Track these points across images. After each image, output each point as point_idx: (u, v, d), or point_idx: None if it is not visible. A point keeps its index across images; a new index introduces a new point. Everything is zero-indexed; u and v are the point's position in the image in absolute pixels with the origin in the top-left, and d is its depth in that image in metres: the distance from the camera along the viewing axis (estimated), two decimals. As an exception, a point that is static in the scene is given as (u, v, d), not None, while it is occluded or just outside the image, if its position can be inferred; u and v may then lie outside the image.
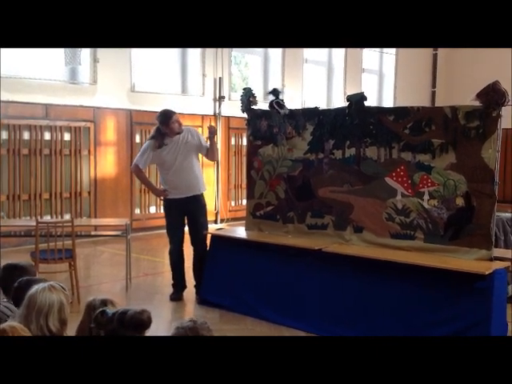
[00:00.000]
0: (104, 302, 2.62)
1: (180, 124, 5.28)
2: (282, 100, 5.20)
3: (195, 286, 5.49)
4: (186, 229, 5.45)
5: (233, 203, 10.53)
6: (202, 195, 5.44)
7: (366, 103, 4.66)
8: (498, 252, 4.29)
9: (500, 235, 5.43)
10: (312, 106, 5.30)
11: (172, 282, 5.49)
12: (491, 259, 4.08)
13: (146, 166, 5.60)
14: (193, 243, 5.43)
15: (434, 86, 14.29)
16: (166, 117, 5.24)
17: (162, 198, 5.54)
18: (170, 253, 5.48)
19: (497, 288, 3.87)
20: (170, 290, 5.49)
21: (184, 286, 5.49)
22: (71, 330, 2.68)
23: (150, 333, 2.52)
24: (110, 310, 2.51)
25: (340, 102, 11.40)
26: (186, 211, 5.34)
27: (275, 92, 5.23)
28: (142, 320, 2.43)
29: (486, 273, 3.84)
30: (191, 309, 5.24)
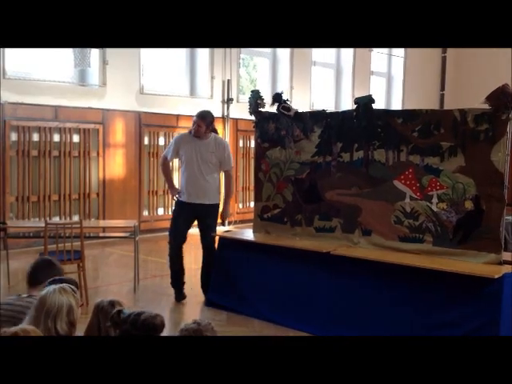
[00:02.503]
0: (112, 304, 2.63)
1: (198, 130, 5.22)
2: (288, 101, 5.19)
3: (202, 288, 5.50)
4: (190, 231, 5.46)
5: (240, 205, 10.54)
6: (217, 205, 5.42)
7: (374, 106, 4.65)
8: (507, 256, 4.27)
9: (509, 239, 5.41)
10: (320, 108, 5.29)
11: (170, 281, 5.50)
12: (500, 263, 4.06)
13: (172, 157, 5.54)
14: (203, 249, 5.44)
15: (442, 88, 14.25)
16: (196, 116, 5.29)
17: (174, 197, 5.56)
18: (169, 254, 5.45)
19: (506, 292, 3.85)
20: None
21: (182, 283, 5.47)
22: (79, 331, 2.69)
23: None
24: (126, 311, 2.52)
25: (348, 104, 11.40)
26: (196, 216, 5.33)
27: (277, 97, 5.22)
28: (154, 324, 2.44)
29: (496, 276, 3.82)
30: (199, 311, 5.24)
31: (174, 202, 5.74)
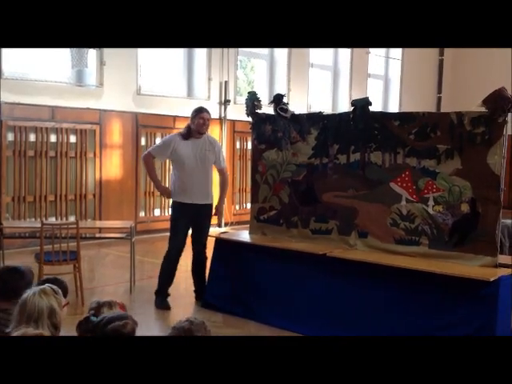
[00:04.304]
0: (109, 304, 2.62)
1: (204, 124, 5.22)
2: (286, 104, 5.20)
3: (195, 291, 5.48)
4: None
5: (237, 207, 10.54)
6: (212, 205, 5.43)
7: (371, 108, 4.65)
8: (502, 259, 4.28)
9: (505, 242, 5.42)
10: (317, 110, 5.30)
11: (157, 288, 5.32)
12: (496, 266, 4.07)
13: (164, 158, 5.47)
14: (195, 249, 5.39)
15: (439, 91, 14.28)
16: (196, 111, 5.27)
17: (166, 197, 5.44)
18: (167, 258, 5.33)
19: (502, 294, 3.86)
20: (174, 292, 5.47)
21: (168, 294, 5.36)
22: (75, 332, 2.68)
23: (152, 334, 2.52)
24: (94, 318, 2.48)
25: (345, 106, 11.41)
26: (195, 217, 5.27)
27: (277, 98, 5.22)
28: (123, 333, 2.35)
29: (491, 279, 3.82)
30: (194, 312, 5.23)
31: (170, 204, 5.59)
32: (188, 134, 5.25)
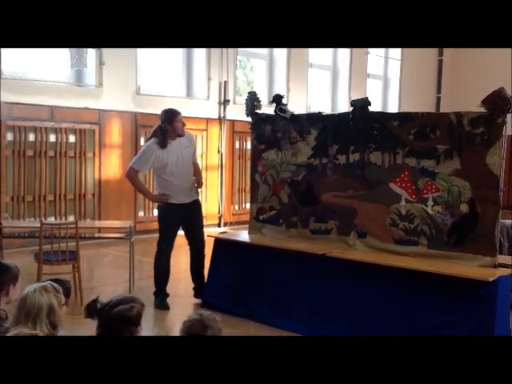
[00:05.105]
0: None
1: (184, 125, 5.24)
2: (285, 104, 5.21)
3: (194, 289, 5.48)
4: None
5: (236, 207, 10.54)
6: (199, 199, 5.48)
7: (371, 108, 4.66)
8: (502, 259, 4.28)
9: (504, 242, 5.42)
10: (317, 110, 5.30)
11: (155, 289, 5.31)
12: (495, 266, 4.07)
13: (147, 170, 5.48)
14: (193, 245, 5.39)
15: (439, 91, 14.29)
16: (172, 114, 5.17)
17: (162, 203, 5.25)
18: (161, 260, 5.29)
19: (501, 295, 3.87)
20: (174, 292, 5.48)
21: (168, 294, 5.35)
22: (77, 332, 2.68)
23: (152, 334, 2.52)
24: (102, 301, 2.49)
25: (345, 106, 11.41)
26: (186, 216, 5.25)
27: (276, 98, 5.23)
28: (129, 316, 2.39)
29: (490, 279, 3.83)
30: (194, 312, 5.22)
31: (159, 207, 5.40)
32: (165, 140, 5.12)
